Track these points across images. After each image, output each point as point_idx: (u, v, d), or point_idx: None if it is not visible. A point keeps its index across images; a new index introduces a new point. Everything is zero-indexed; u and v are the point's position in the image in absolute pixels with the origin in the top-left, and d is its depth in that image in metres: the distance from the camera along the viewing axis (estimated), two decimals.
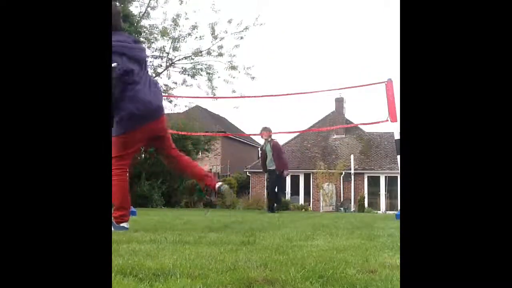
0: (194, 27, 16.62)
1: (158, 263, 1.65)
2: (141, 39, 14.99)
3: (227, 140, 26.52)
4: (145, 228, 3.46)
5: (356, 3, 61.07)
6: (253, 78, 16.93)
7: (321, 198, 21.55)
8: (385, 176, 22.20)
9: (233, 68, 16.86)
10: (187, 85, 17.22)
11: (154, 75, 16.40)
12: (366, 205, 20.61)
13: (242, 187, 22.46)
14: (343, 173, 22.09)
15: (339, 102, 25.10)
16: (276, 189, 9.66)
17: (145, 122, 3.30)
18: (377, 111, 38.74)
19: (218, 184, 3.42)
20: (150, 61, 16.08)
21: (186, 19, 16.88)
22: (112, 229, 3.19)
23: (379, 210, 20.90)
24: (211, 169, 22.83)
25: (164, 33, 16.36)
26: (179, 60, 17.07)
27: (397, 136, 6.06)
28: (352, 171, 22.28)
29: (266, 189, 10.50)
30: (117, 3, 3.49)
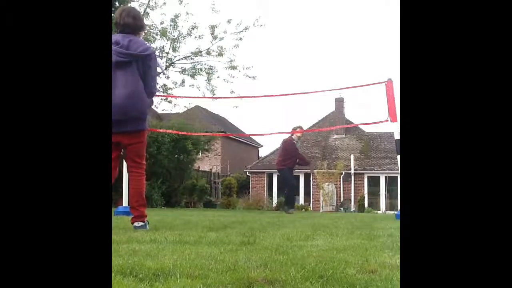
0: (193, 27, 16.63)
1: (158, 263, 1.65)
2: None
3: (227, 140, 26.52)
4: None
5: (356, 3, 61.08)
6: (254, 77, 16.94)
7: (321, 198, 21.55)
8: (385, 176, 22.20)
9: (233, 68, 16.87)
10: (188, 85, 17.25)
11: None
12: (366, 205, 20.61)
13: (242, 187, 22.47)
14: (343, 173, 22.09)
15: (339, 102, 25.12)
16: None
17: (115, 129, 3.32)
18: (377, 111, 38.76)
19: (134, 224, 3.45)
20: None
21: (185, 21, 16.87)
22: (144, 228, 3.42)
23: (379, 210, 20.90)
24: (211, 169, 22.83)
25: (164, 33, 16.36)
26: (178, 60, 17.08)
27: (397, 136, 6.06)
28: (352, 171, 22.28)
29: (292, 188, 10.16)
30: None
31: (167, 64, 16.85)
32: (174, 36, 16.62)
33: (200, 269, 1.56)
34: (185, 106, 19.87)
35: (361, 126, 23.48)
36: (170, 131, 12.44)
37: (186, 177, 16.36)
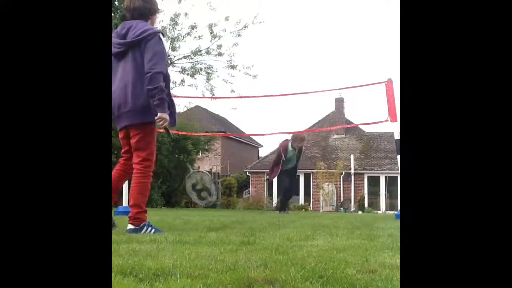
0: (193, 27, 16.63)
1: (158, 263, 1.65)
2: None
3: (227, 140, 26.52)
4: None
5: (356, 2, 61.10)
6: (254, 76, 16.94)
7: (321, 198, 21.55)
8: (385, 176, 22.20)
9: (232, 67, 16.87)
10: (187, 85, 17.23)
11: None
12: (366, 205, 20.61)
13: (242, 187, 22.47)
14: (343, 173, 22.10)
15: (339, 102, 25.12)
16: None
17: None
18: (377, 111, 38.79)
19: (128, 226, 3.15)
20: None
21: (185, 19, 16.86)
22: (154, 231, 3.11)
23: (379, 210, 20.90)
24: (211, 169, 22.83)
25: (163, 33, 16.35)
26: (178, 59, 17.08)
27: (397, 136, 6.06)
28: (352, 171, 22.28)
29: (291, 190, 9.88)
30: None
31: (167, 63, 16.84)
32: (173, 35, 16.62)
33: (200, 269, 1.56)
34: (185, 106, 19.89)
35: (361, 126, 23.48)
36: (170, 131, 12.43)
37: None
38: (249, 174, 23.74)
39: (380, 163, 22.73)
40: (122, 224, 3.67)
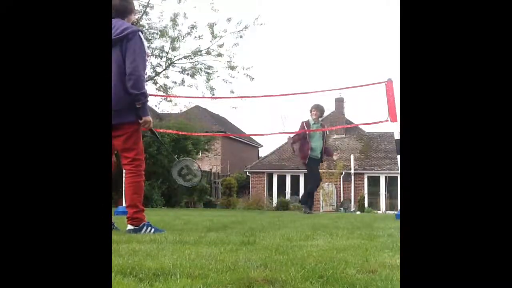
0: (193, 27, 16.60)
1: (158, 263, 1.65)
2: None
3: (227, 140, 26.50)
4: None
5: (356, 3, 61.11)
6: (252, 79, 16.93)
7: (321, 198, 21.54)
8: (385, 176, 22.19)
9: (232, 68, 16.85)
10: (188, 85, 17.20)
11: (154, 74, 16.41)
12: (366, 205, 20.60)
13: (242, 187, 22.47)
14: (343, 173, 22.08)
15: (339, 102, 25.11)
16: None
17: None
18: (377, 111, 38.78)
19: (128, 226, 3.19)
20: (149, 62, 16.06)
21: (185, 19, 16.84)
22: (154, 231, 3.12)
23: (379, 210, 20.89)
24: (211, 169, 22.83)
25: (163, 33, 16.34)
26: (178, 59, 17.06)
27: (397, 136, 6.06)
28: (352, 171, 22.27)
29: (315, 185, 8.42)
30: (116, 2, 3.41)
31: (167, 63, 16.83)
32: (174, 35, 16.61)
33: (200, 269, 1.56)
34: (185, 106, 19.88)
35: (361, 126, 23.48)
36: (170, 131, 12.44)
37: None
38: (249, 174, 23.74)
39: (380, 163, 22.72)
40: (122, 224, 3.67)
